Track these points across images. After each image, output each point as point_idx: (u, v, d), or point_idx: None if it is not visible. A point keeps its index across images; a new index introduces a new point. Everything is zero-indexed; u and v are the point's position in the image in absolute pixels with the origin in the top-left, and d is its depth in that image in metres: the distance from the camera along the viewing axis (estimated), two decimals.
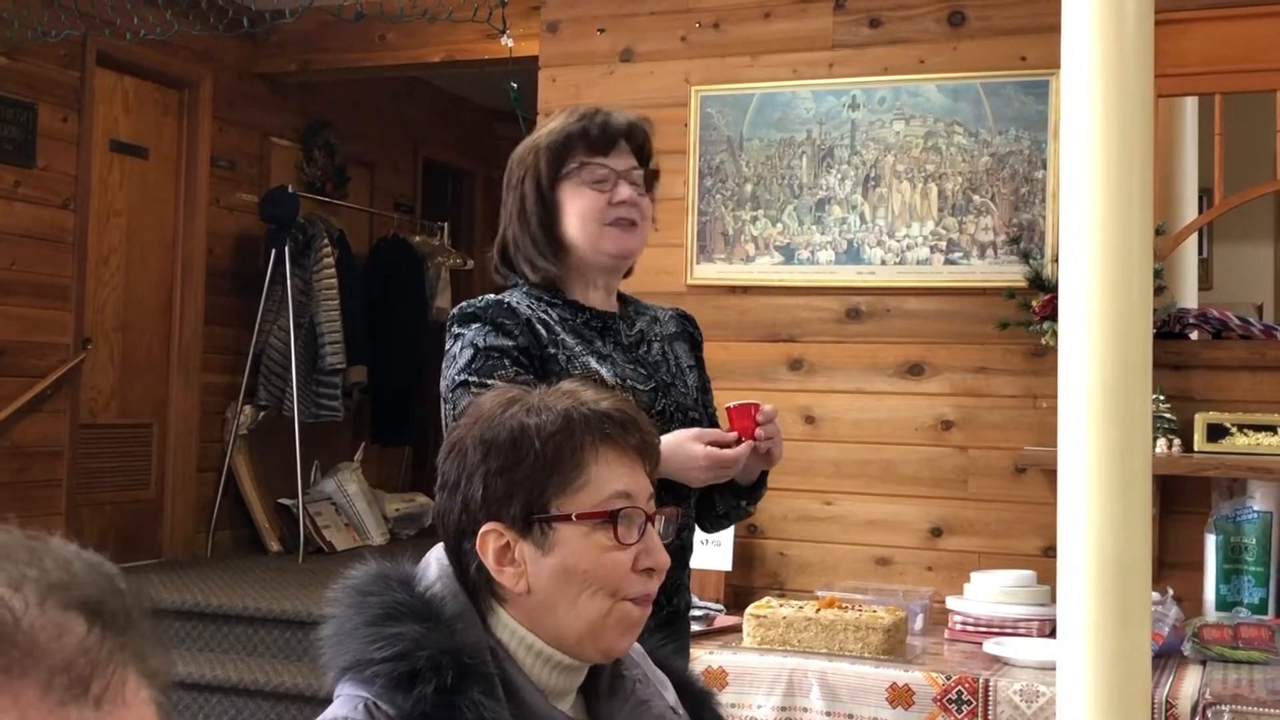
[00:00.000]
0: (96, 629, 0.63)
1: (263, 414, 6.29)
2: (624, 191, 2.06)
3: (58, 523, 5.30)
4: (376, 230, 7.32)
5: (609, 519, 1.29)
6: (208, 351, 6.16)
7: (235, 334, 6.28)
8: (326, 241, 6.37)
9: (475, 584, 1.32)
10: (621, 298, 2.18)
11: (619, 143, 2.09)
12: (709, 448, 1.96)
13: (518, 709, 1.25)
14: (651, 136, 2.15)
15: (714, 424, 2.20)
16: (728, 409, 2.04)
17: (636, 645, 1.43)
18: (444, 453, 1.36)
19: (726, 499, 2.15)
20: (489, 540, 1.30)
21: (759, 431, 2.01)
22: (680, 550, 2.11)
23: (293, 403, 6.15)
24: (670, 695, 1.41)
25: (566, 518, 1.28)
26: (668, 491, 1.92)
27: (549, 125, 2.09)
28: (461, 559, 1.33)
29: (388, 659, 1.22)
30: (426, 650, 1.22)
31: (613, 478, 1.30)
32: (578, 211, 2.05)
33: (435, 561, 1.36)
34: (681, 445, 1.96)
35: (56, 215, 5.40)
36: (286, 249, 6.15)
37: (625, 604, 1.30)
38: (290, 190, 6.22)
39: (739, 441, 1.99)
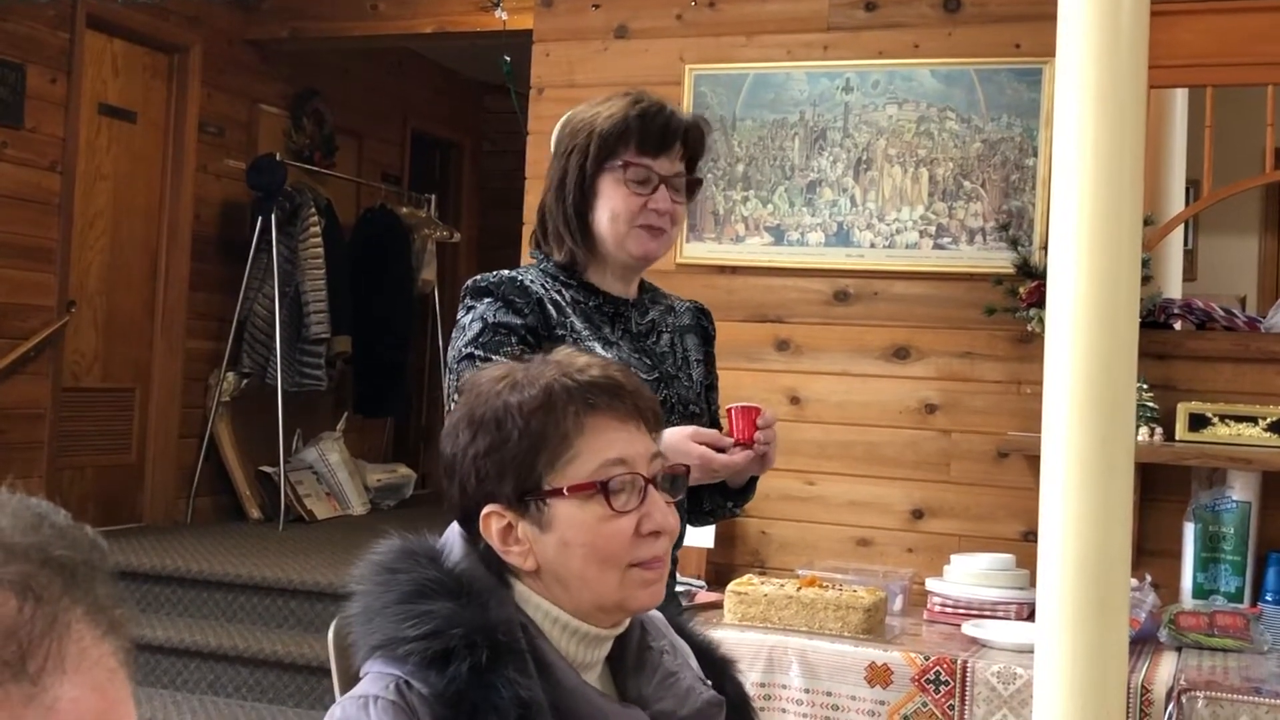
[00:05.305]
0: (29, 603, 0.61)
1: (246, 381, 6.28)
2: (661, 199, 2.04)
3: (37, 485, 5.30)
4: (364, 201, 7.29)
5: (600, 489, 1.26)
6: (192, 318, 6.14)
7: (220, 301, 6.26)
8: (313, 210, 6.35)
9: (491, 560, 1.30)
10: (641, 285, 2.18)
11: (674, 145, 2.05)
12: (703, 448, 1.95)
13: (550, 685, 1.23)
14: (709, 138, 2.11)
15: (714, 421, 2.20)
16: (729, 410, 2.03)
17: (659, 614, 1.41)
18: (443, 435, 1.34)
19: (714, 497, 2.14)
20: (491, 522, 1.28)
21: (758, 436, 1.99)
22: None
23: (276, 371, 6.15)
24: (695, 665, 1.39)
25: (558, 492, 1.26)
26: None
27: (609, 107, 2.05)
28: (474, 537, 1.31)
29: (420, 637, 1.20)
30: (460, 628, 1.20)
31: (603, 446, 1.27)
32: (611, 208, 2.04)
33: (459, 536, 1.33)
34: (676, 443, 1.94)
35: (43, 177, 5.37)
36: (273, 217, 6.13)
37: (634, 570, 1.28)
38: (278, 158, 6.19)
39: (735, 445, 1.98)
